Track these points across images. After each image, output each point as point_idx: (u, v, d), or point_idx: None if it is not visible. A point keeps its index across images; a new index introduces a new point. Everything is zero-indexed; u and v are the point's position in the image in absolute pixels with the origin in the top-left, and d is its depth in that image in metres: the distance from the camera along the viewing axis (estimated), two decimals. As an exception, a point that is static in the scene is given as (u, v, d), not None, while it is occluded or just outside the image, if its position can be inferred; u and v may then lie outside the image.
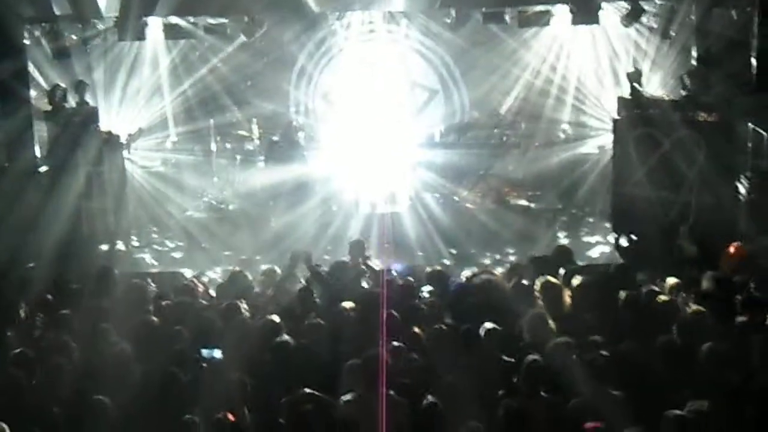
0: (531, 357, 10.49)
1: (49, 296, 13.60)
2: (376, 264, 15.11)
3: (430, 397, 10.02)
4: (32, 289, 14.15)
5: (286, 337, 11.42)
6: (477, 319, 11.90)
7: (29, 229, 17.81)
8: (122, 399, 10.14)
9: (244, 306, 12.85)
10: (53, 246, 17.43)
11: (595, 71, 22.56)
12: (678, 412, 9.32)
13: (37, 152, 19.81)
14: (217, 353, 10.92)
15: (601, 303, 12.63)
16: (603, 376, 10.33)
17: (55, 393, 10.77)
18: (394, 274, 14.35)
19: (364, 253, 15.17)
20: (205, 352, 10.96)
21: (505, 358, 11.17)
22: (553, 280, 12.97)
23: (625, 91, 19.19)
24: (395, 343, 11.08)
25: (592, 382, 10.30)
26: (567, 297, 12.77)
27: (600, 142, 21.85)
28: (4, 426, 9.52)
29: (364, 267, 14.63)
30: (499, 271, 14.47)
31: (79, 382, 10.94)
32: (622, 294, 12.64)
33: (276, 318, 12.23)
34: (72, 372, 11.19)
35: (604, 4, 20.27)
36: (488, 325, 11.49)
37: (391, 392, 10.14)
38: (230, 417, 9.82)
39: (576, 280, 13.07)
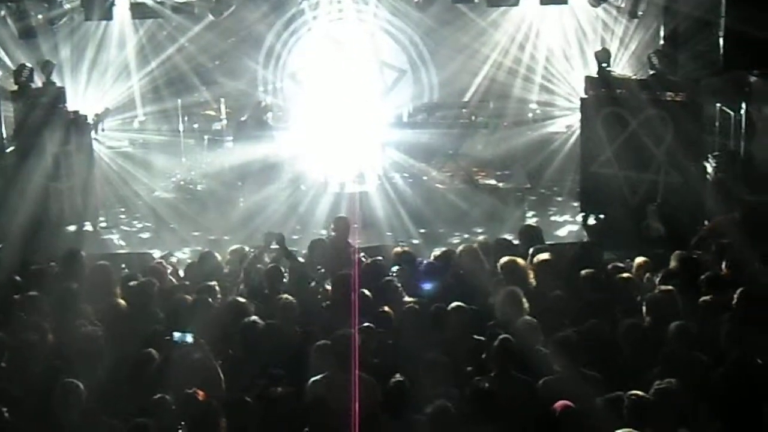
0: (502, 336, 10.52)
1: (17, 278, 13.53)
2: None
3: (398, 376, 10.01)
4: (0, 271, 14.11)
5: (254, 317, 11.39)
6: (445, 298, 11.94)
7: (-4, 211, 17.73)
8: (93, 380, 10.11)
9: (213, 286, 12.83)
10: (20, 227, 17.33)
11: (564, 51, 22.62)
12: (639, 393, 9.36)
13: (3, 133, 19.71)
14: (189, 337, 10.88)
15: (567, 281, 12.70)
16: (572, 355, 10.36)
17: (25, 374, 10.74)
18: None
19: (349, 230, 15.16)
20: (176, 335, 10.91)
21: (475, 336, 11.20)
22: (516, 259, 12.97)
23: (593, 71, 19.25)
24: (366, 324, 11.09)
25: (561, 360, 10.35)
26: (531, 276, 12.80)
27: (568, 122, 21.93)
28: None
29: (349, 243, 14.61)
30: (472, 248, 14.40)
31: (49, 362, 10.94)
32: (585, 271, 12.66)
33: (243, 299, 12.23)
34: (42, 352, 11.17)
35: (572, -16, 20.34)
36: (455, 303, 11.52)
37: (361, 372, 10.15)
38: (199, 394, 9.81)
39: (541, 256, 13.10)
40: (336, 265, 13.48)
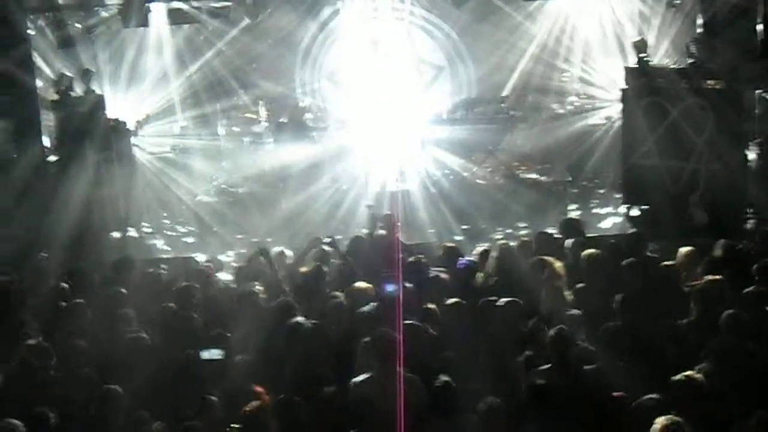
0: (557, 327, 10.49)
1: (64, 285, 13.63)
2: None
3: (443, 377, 10.00)
4: (46, 279, 14.21)
5: (299, 318, 11.41)
6: (489, 294, 11.92)
7: (40, 219, 17.85)
8: (140, 384, 10.18)
9: (259, 288, 12.89)
10: (65, 235, 17.46)
11: (601, 42, 22.50)
12: (690, 373, 9.32)
13: (46, 142, 19.86)
14: (218, 354, 10.94)
15: (611, 273, 12.64)
16: (616, 347, 10.33)
17: (73, 381, 10.82)
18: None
19: (396, 227, 15.18)
20: (205, 354, 10.98)
21: (522, 330, 11.19)
22: (546, 258, 12.91)
23: (632, 61, 19.14)
24: (409, 321, 11.09)
25: (605, 353, 10.32)
26: (562, 270, 12.74)
27: (608, 113, 21.76)
28: (17, 423, 9.56)
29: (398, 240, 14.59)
30: (513, 245, 14.37)
31: (96, 368, 11.03)
32: (628, 261, 12.59)
33: (289, 299, 12.27)
34: (90, 358, 11.27)
35: (608, -25, 20.28)
36: (504, 299, 11.50)
37: (406, 370, 10.15)
38: (257, 395, 9.89)
39: (589, 251, 13.05)
40: (379, 262, 13.49)
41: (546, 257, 12.90)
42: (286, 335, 11.19)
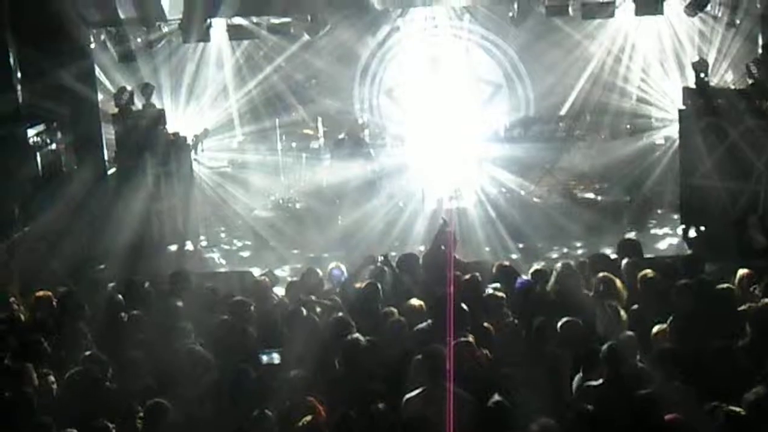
0: (609, 342, 10.46)
1: (120, 297, 13.74)
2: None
3: (496, 396, 9.98)
4: (103, 291, 14.33)
5: (356, 335, 11.42)
6: (545, 314, 11.88)
7: (99, 231, 18.01)
8: (194, 397, 10.22)
9: (313, 302, 12.96)
10: (123, 247, 17.63)
11: (660, 62, 22.43)
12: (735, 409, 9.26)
13: (106, 155, 20.06)
14: (276, 358, 10.99)
15: (669, 295, 12.54)
16: (670, 368, 10.26)
17: (130, 393, 10.90)
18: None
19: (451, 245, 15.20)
20: (264, 357, 11.05)
21: (578, 351, 11.14)
22: (608, 275, 12.85)
23: (691, 81, 19.04)
24: (462, 339, 11.08)
25: (659, 374, 10.25)
26: (623, 291, 12.67)
27: (666, 133, 21.66)
28: None
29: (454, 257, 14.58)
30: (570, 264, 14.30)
31: (153, 380, 11.11)
32: (683, 282, 12.48)
33: (344, 315, 12.29)
34: (146, 370, 11.36)
35: (667, -6, 20.17)
36: (566, 319, 11.47)
37: (457, 388, 10.14)
38: (312, 408, 9.93)
39: (644, 272, 12.97)
40: (433, 280, 13.50)
41: (610, 275, 12.85)
42: (344, 352, 11.23)
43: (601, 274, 12.87)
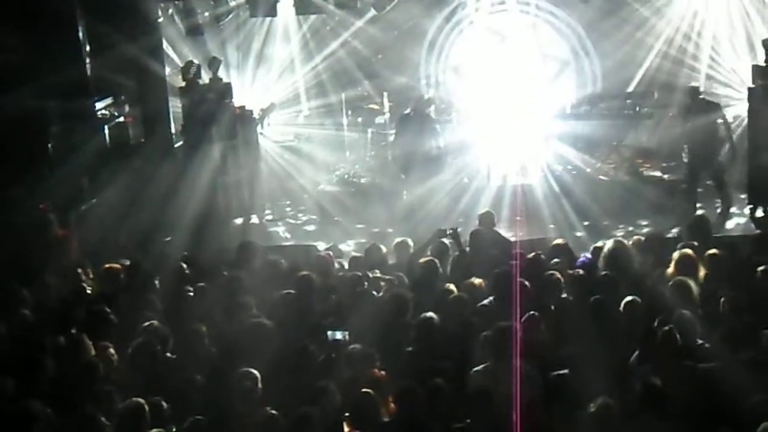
0: (665, 327, 10.44)
1: (186, 269, 13.86)
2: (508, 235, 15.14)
3: (560, 370, 10.01)
4: (169, 263, 14.46)
5: (430, 314, 11.44)
6: (607, 291, 11.87)
7: (166, 204, 18.15)
8: (258, 370, 10.29)
9: (375, 277, 13.02)
10: (189, 220, 17.73)
11: (730, 39, 22.19)
12: None
13: (173, 128, 20.20)
14: (340, 335, 11.06)
15: (739, 274, 12.46)
16: (736, 349, 10.21)
17: (192, 364, 11.00)
18: None
19: (493, 226, 15.28)
20: (329, 334, 11.12)
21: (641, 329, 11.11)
22: (688, 252, 12.80)
23: (761, 59, 18.84)
24: (528, 315, 11.10)
25: (724, 354, 10.22)
26: (702, 269, 12.62)
27: (735, 112, 21.42)
28: (143, 402, 9.75)
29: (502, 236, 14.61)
30: (628, 242, 14.23)
31: (220, 351, 11.22)
32: (763, 268, 12.37)
33: (402, 291, 12.34)
34: (209, 342, 11.47)
35: (739, -30, 19.98)
36: (628, 297, 11.45)
37: (524, 364, 10.17)
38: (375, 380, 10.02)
39: (712, 251, 12.90)
40: (495, 257, 13.53)
41: (689, 251, 12.79)
42: (417, 329, 11.28)
43: (676, 253, 12.80)
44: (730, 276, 12.44)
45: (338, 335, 11.14)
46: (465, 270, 13.41)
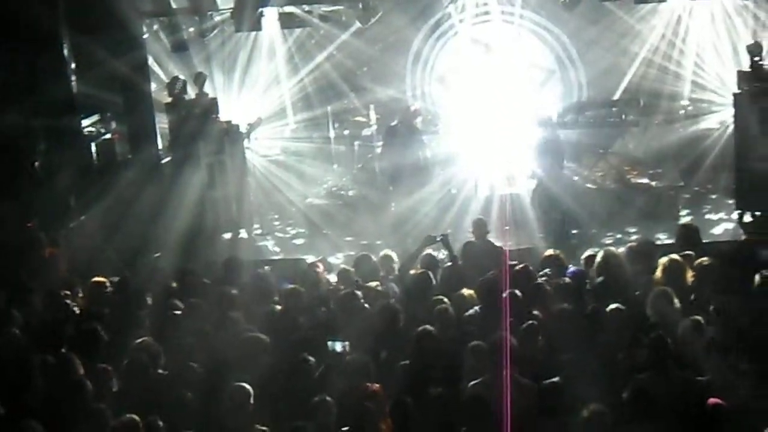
0: (655, 333, 10.45)
1: (175, 285, 13.85)
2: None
3: (552, 379, 10.03)
4: (158, 278, 14.44)
5: (428, 327, 11.42)
6: (598, 300, 11.88)
7: (154, 220, 18.14)
8: (250, 385, 10.28)
9: (366, 287, 13.04)
10: (178, 235, 17.72)
11: (714, 45, 22.23)
12: None
13: (160, 144, 20.20)
14: (340, 346, 11.08)
15: (725, 280, 12.48)
16: (729, 356, 10.23)
17: (183, 380, 10.99)
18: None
19: (486, 233, 15.30)
20: (329, 344, 11.14)
21: (630, 336, 11.13)
22: (676, 257, 12.81)
23: (745, 65, 18.89)
24: (523, 325, 11.11)
25: (719, 359, 10.22)
26: (690, 275, 12.63)
27: (721, 118, 21.48)
28: (137, 419, 9.73)
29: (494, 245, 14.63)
30: (620, 250, 14.25)
31: (211, 366, 11.20)
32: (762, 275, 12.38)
33: (392, 303, 12.36)
34: (201, 358, 11.46)
35: (721, -23, 20.04)
36: (613, 305, 11.46)
37: (517, 374, 10.19)
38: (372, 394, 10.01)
39: (700, 259, 12.91)
40: (485, 267, 13.54)
41: (677, 257, 12.80)
42: (417, 341, 11.27)
43: (664, 259, 12.82)
44: (719, 282, 12.44)
45: (338, 347, 11.16)
46: (457, 280, 13.42)
